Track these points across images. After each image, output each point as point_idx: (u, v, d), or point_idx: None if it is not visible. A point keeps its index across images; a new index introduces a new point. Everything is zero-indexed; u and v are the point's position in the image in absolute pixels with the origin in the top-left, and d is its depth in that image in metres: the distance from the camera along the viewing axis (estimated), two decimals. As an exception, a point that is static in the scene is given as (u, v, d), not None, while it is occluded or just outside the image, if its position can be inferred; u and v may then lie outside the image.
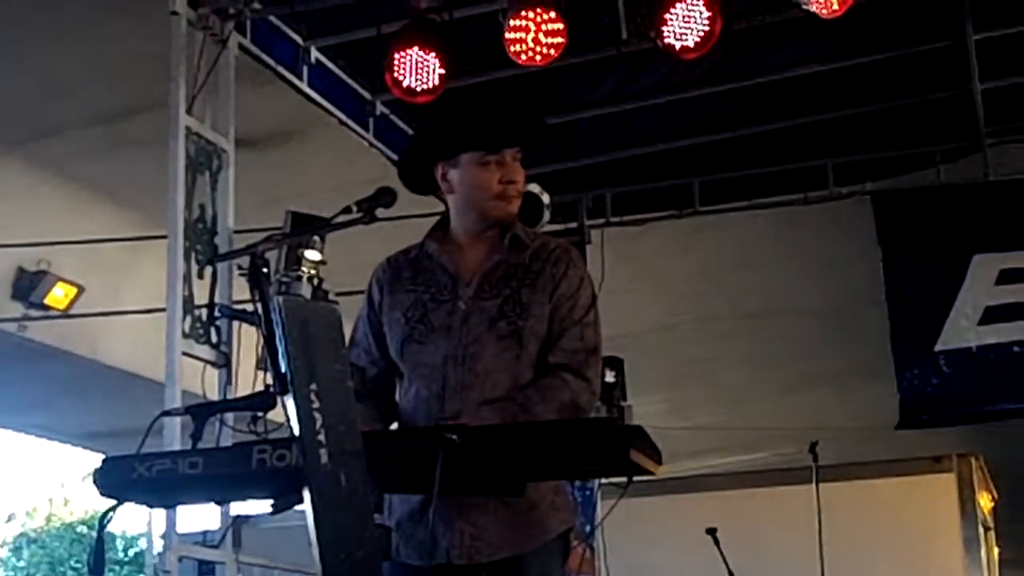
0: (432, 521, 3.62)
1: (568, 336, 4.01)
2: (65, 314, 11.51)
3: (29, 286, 11.25)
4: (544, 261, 4.09)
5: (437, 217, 4.26)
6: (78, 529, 33.91)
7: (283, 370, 3.19)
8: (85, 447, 17.00)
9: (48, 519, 34.94)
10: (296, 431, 3.16)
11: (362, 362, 4.17)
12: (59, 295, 11.38)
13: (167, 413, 4.71)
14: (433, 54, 7.18)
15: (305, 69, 7.82)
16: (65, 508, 35.18)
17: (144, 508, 4.63)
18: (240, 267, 4.03)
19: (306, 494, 3.17)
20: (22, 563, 33.88)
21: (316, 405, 3.15)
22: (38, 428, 16.22)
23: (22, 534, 34.50)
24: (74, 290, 11.44)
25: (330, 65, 8.02)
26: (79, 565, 32.54)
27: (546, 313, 4.01)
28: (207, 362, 6.60)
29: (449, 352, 3.98)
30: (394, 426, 4.12)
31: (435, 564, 3.82)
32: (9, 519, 35.16)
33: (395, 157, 8.36)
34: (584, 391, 3.97)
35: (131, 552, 33.16)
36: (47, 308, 11.41)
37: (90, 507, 33.20)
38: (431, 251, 4.17)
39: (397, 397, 4.15)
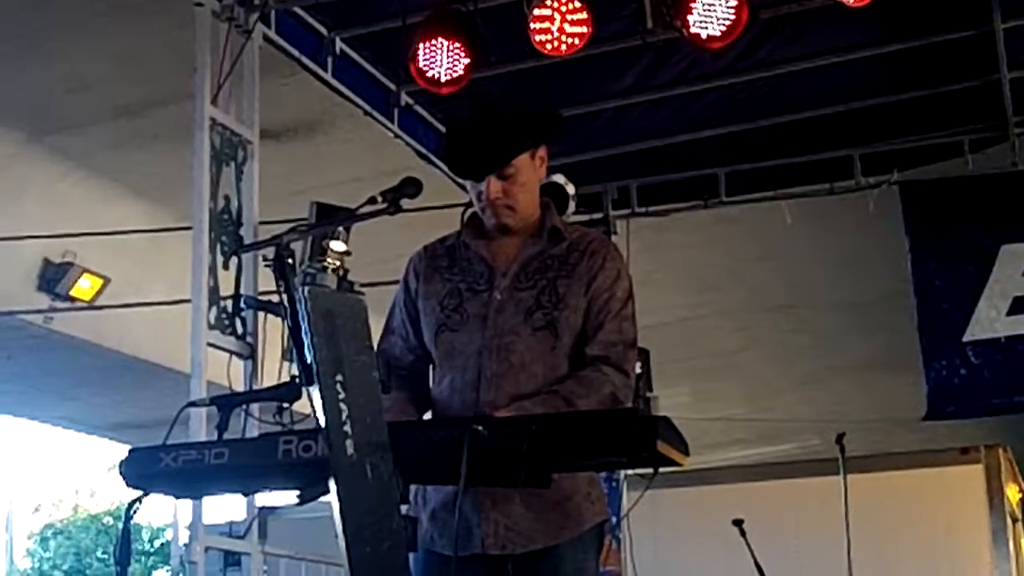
0: (464, 511, 3.61)
1: (607, 329, 4.01)
2: (91, 305, 11.55)
3: (55, 278, 11.29)
4: (581, 253, 4.10)
5: (462, 207, 4.25)
6: (104, 520, 34.06)
7: (309, 361, 3.18)
8: (111, 438, 17.08)
9: (74, 510, 35.12)
10: (322, 422, 3.15)
11: (397, 349, 4.19)
12: (85, 287, 11.42)
13: (193, 404, 4.70)
14: (458, 44, 7.18)
15: (329, 60, 7.80)
16: (91, 499, 35.37)
17: (170, 499, 4.62)
18: (265, 258, 4.02)
19: (332, 485, 3.16)
20: (48, 554, 34.07)
21: (342, 396, 3.14)
22: (64, 419, 16.29)
23: (48, 525, 34.68)
24: (100, 282, 11.48)
25: (355, 56, 8.01)
26: (105, 556, 32.69)
27: (582, 305, 4.02)
28: (232, 353, 6.59)
29: (484, 342, 3.98)
30: (427, 414, 4.12)
31: (470, 554, 3.84)
32: (36, 510, 35.37)
33: (420, 148, 8.39)
34: (624, 385, 3.98)
35: (156, 543, 33.29)
36: (73, 300, 11.45)
37: (116, 498, 33.37)
38: (468, 240, 4.17)
39: (431, 385, 4.16)
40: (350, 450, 3.13)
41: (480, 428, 3.40)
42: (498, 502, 3.87)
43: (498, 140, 4.02)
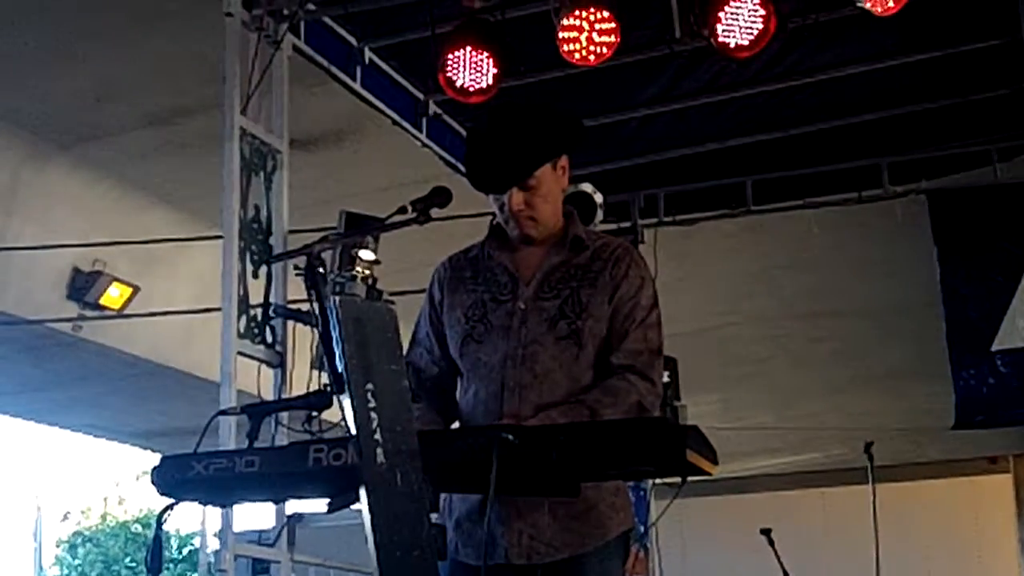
0: (490, 521, 3.62)
1: (632, 337, 3.99)
2: (120, 314, 11.59)
3: (84, 286, 11.33)
4: (604, 261, 4.08)
5: (491, 216, 4.25)
6: (133, 528, 34.15)
7: (339, 370, 3.20)
8: (140, 446, 17.12)
9: (103, 518, 35.20)
10: (352, 430, 3.16)
11: (424, 361, 4.19)
12: (114, 295, 11.46)
13: (224, 412, 4.72)
14: (486, 54, 7.19)
15: (358, 70, 7.84)
16: (120, 507, 35.44)
17: (198, 507, 4.65)
18: (296, 267, 4.04)
19: (362, 493, 3.17)
20: (77, 561, 34.16)
21: (372, 405, 3.15)
22: (93, 427, 16.34)
23: (77, 533, 34.77)
24: (129, 290, 11.52)
25: (383, 65, 8.04)
26: (133, 564, 32.79)
27: (606, 313, 4.00)
28: (262, 361, 6.62)
29: (508, 352, 3.97)
30: (455, 425, 4.13)
31: (494, 564, 3.83)
32: (64, 518, 35.47)
33: (448, 157, 8.42)
34: (650, 393, 3.95)
35: (185, 551, 33.37)
36: (102, 308, 11.49)
37: (145, 506, 33.47)
38: (491, 251, 4.17)
39: (457, 396, 4.16)
40: (380, 458, 3.14)
41: (510, 437, 3.41)
42: (522, 511, 3.86)
43: (518, 152, 4.01)
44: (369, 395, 3.16)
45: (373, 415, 3.15)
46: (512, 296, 4.06)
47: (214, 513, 6.10)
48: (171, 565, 32.38)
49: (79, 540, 34.53)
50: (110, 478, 47.85)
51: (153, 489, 3.77)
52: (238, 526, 6.34)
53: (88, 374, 13.09)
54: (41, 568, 34.28)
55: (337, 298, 3.26)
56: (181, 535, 33.46)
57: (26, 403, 14.78)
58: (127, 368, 12.70)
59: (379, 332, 3.23)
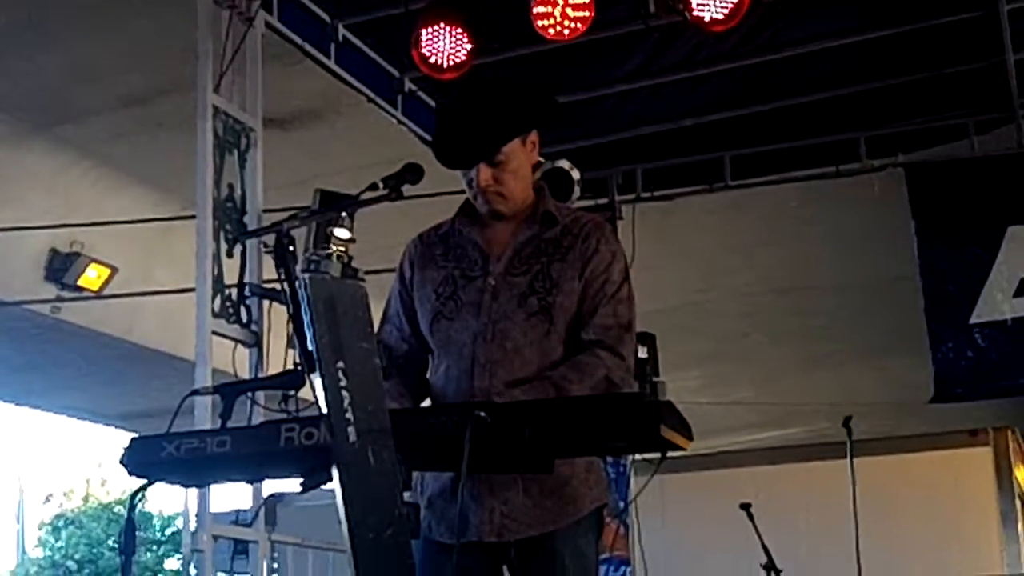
0: (463, 498, 3.61)
1: (602, 312, 3.99)
2: (98, 295, 11.55)
3: (62, 267, 11.30)
4: (575, 236, 4.07)
5: (464, 194, 4.23)
6: (115, 510, 34.11)
7: (310, 348, 3.18)
8: (120, 427, 17.09)
9: (85, 500, 35.17)
10: (324, 409, 3.15)
11: (393, 338, 4.17)
12: (92, 276, 11.43)
13: (196, 392, 4.69)
14: (460, 30, 7.18)
15: (332, 47, 7.80)
16: (102, 488, 35.41)
17: (180, 488, 4.63)
18: (266, 245, 4.02)
19: (335, 472, 3.16)
20: (60, 543, 34.13)
21: (344, 383, 3.13)
22: (73, 409, 16.33)
23: (59, 515, 34.73)
24: (107, 271, 11.49)
25: (357, 43, 8.00)
26: (116, 545, 32.75)
27: (576, 289, 3.99)
28: (237, 341, 6.59)
29: (478, 329, 3.97)
30: (426, 402, 4.11)
31: (467, 541, 3.81)
32: (47, 500, 35.43)
33: (423, 134, 8.39)
34: (619, 368, 3.94)
35: (168, 531, 33.37)
36: (80, 289, 11.46)
37: (127, 488, 33.39)
38: (462, 227, 4.16)
39: (428, 374, 4.15)
40: (352, 437, 3.12)
41: (482, 414, 3.40)
42: (495, 489, 3.85)
43: (486, 128, 3.99)
44: (340, 373, 3.14)
45: (344, 393, 3.14)
46: (482, 272, 4.05)
47: (195, 493, 6.09)
48: (154, 546, 32.43)
49: (62, 522, 34.50)
50: (92, 460, 47.89)
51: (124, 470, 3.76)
52: (222, 506, 6.33)
53: (67, 356, 13.06)
54: (24, 551, 34.26)
55: (307, 276, 3.24)
56: (164, 515, 33.48)
57: (6, 385, 14.75)
58: (106, 349, 12.68)
59: (350, 310, 3.21)
